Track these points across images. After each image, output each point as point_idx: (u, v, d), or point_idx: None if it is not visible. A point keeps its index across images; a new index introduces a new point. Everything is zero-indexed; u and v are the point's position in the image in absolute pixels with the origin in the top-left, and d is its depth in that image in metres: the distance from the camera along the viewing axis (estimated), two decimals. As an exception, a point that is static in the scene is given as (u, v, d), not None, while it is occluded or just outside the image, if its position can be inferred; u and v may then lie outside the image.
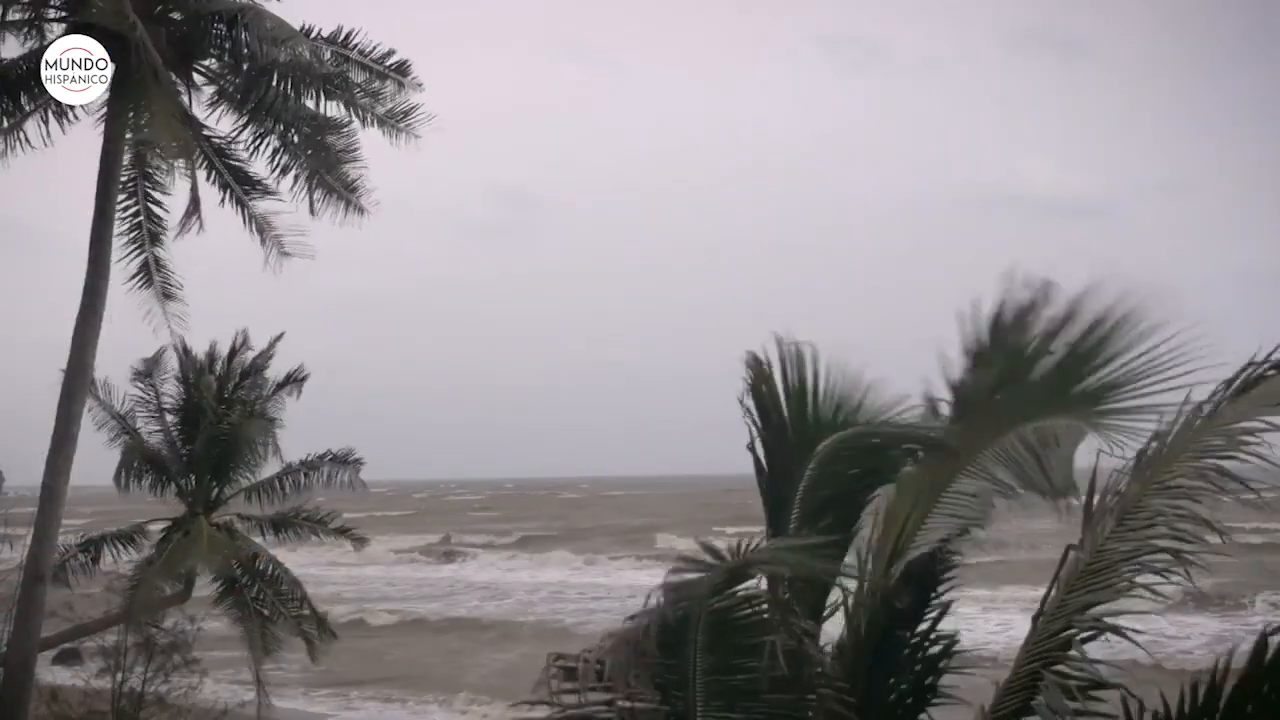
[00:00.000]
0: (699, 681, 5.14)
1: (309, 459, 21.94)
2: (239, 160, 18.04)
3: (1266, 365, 4.52)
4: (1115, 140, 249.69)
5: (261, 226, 18.24)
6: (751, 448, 6.43)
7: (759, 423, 6.45)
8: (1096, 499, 4.87)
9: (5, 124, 16.97)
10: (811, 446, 6.21)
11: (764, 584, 5.83)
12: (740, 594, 5.18)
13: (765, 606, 5.22)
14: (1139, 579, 4.17)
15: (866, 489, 6.08)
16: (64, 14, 16.86)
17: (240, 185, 18.12)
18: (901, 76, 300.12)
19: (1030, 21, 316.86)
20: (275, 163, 17.72)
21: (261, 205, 18.30)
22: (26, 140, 17.26)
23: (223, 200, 18.13)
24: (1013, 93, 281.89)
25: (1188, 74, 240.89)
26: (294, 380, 21.82)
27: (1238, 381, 4.59)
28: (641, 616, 4.90)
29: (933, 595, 5.73)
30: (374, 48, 17.54)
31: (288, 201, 18.08)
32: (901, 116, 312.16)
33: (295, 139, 17.51)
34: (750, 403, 6.46)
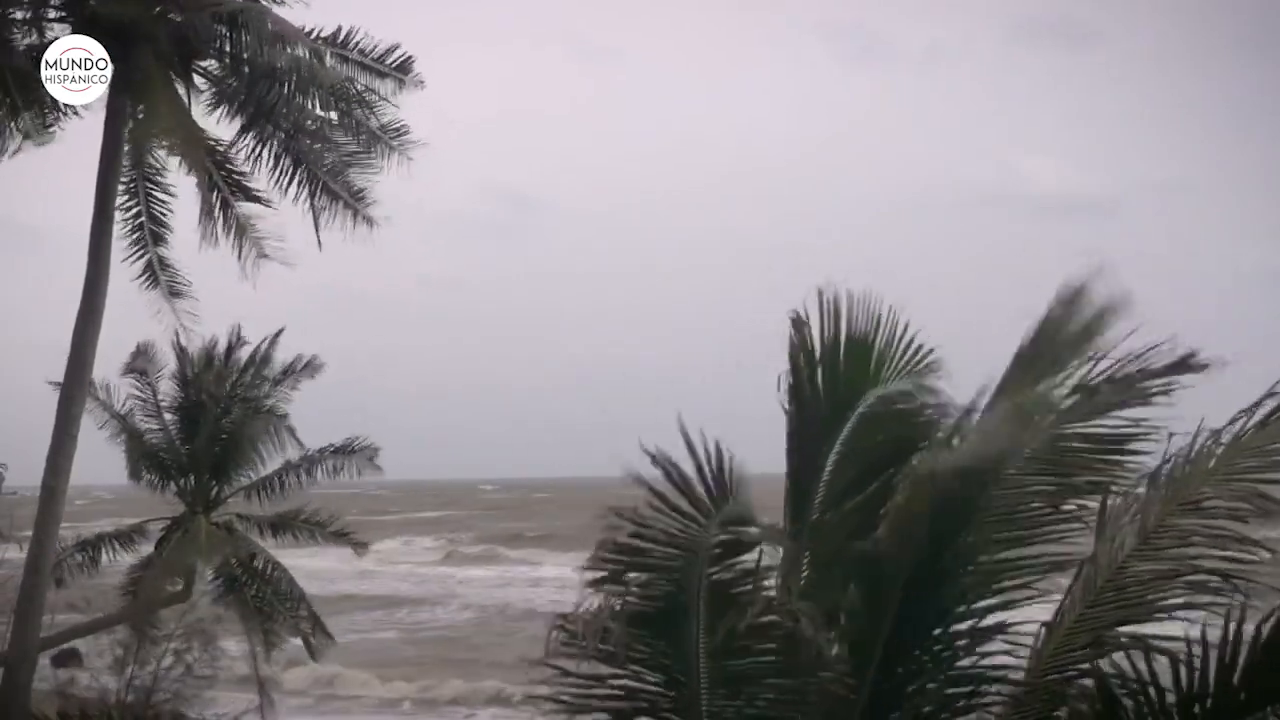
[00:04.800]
0: (702, 664, 4.92)
1: (308, 454, 21.83)
2: (231, 163, 17.65)
3: None
4: (1120, 137, 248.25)
5: (242, 228, 17.60)
6: (789, 437, 5.68)
7: (793, 398, 5.72)
8: (1110, 509, 4.86)
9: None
10: (846, 413, 5.62)
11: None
12: (740, 566, 4.88)
13: (767, 582, 4.93)
14: (1183, 599, 4.13)
15: (903, 457, 5.49)
16: (64, 13, 16.70)
17: (228, 186, 17.80)
18: (903, 69, 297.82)
19: (1033, 13, 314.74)
20: (278, 170, 17.46)
21: (244, 208, 17.75)
22: (27, 137, 17.15)
23: (214, 201, 17.88)
24: (1015, 87, 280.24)
25: (1193, 71, 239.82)
26: (298, 370, 21.57)
27: (1260, 410, 4.56)
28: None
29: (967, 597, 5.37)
30: (374, 47, 17.31)
31: (275, 204, 17.70)
32: (903, 110, 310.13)
33: (298, 144, 17.32)
34: (788, 378, 5.74)
